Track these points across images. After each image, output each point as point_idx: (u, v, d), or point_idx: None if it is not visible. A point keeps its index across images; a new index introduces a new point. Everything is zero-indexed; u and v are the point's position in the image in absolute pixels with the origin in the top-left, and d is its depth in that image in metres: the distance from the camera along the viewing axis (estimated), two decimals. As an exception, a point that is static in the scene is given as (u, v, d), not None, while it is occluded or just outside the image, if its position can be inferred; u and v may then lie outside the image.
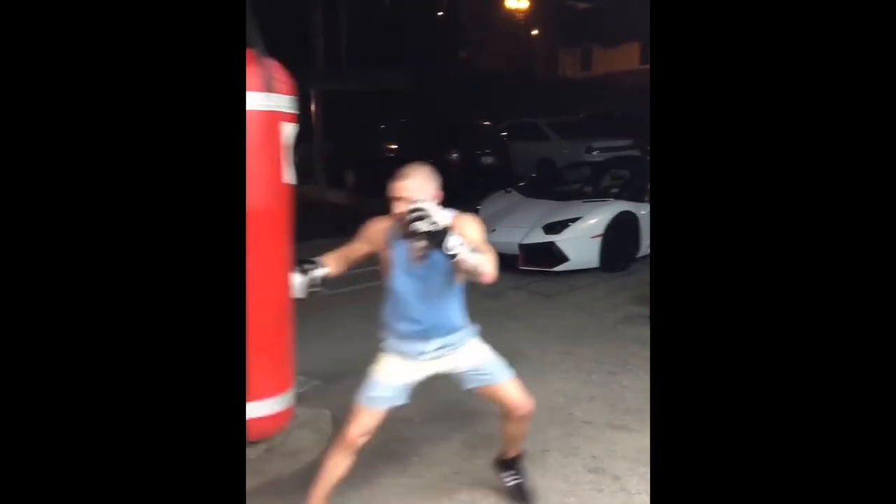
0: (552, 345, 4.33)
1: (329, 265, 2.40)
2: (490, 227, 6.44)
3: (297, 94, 2.26)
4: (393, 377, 2.31)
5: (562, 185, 7.33)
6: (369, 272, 5.93)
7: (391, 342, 2.33)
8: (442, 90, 14.45)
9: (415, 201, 1.96)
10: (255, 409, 2.10)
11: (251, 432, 2.17)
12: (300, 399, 3.60)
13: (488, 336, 2.42)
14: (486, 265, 1.98)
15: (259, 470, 2.89)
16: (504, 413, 2.37)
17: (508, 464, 2.57)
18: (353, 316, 4.97)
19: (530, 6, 18.64)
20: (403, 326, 2.26)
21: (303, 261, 2.42)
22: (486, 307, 4.83)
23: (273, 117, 2.36)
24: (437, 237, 1.91)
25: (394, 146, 11.43)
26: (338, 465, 2.33)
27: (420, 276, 2.17)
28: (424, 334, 2.24)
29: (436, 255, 2.03)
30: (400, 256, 2.19)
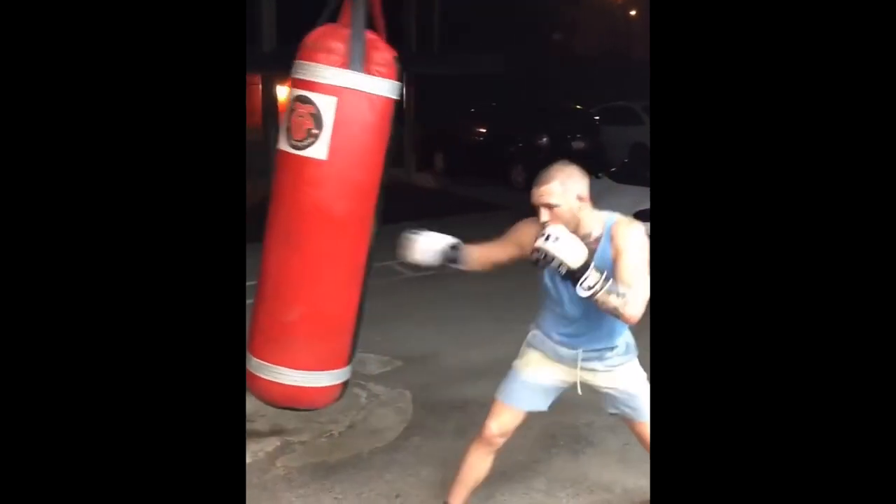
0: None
1: (471, 253, 2.11)
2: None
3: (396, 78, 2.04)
4: (536, 377, 2.11)
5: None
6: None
7: (539, 339, 2.13)
8: (534, 73, 14.23)
9: (545, 234, 1.75)
10: (302, 379, 2.15)
11: (298, 399, 2.21)
12: (382, 379, 3.68)
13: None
14: (628, 308, 1.73)
15: (341, 445, 2.97)
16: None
17: None
18: (434, 299, 5.01)
19: (628, -15, 17.99)
20: (554, 326, 2.07)
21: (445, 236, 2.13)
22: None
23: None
24: (568, 276, 1.73)
25: (483, 129, 11.39)
26: (477, 465, 2.18)
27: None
28: (575, 338, 2.03)
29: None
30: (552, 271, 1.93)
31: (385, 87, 1.98)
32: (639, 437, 2.13)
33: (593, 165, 8.07)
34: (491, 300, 5.00)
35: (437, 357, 4.01)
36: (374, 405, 3.37)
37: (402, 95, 2.07)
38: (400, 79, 2.02)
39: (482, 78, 12.45)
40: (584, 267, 1.72)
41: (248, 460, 2.83)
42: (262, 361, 2.10)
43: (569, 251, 1.73)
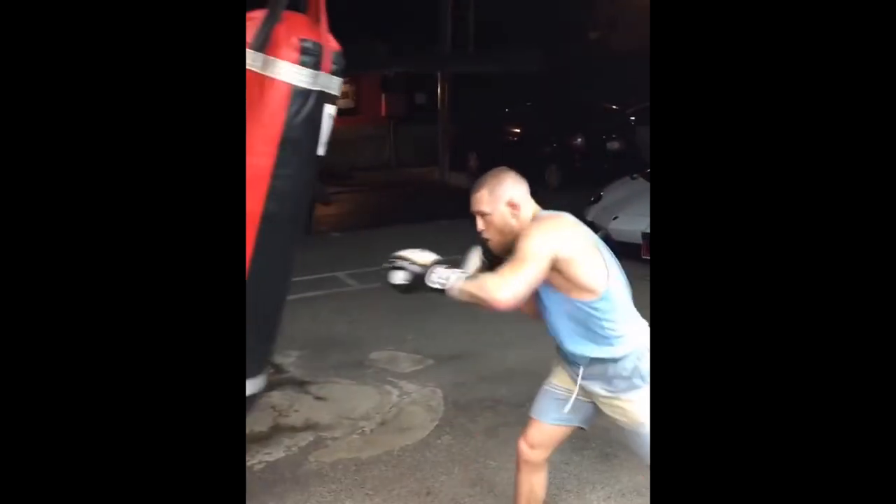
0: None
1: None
2: (613, 214, 6.24)
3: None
4: (560, 389, 2.00)
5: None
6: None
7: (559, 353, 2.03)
8: (570, 72, 14.11)
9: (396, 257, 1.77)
10: None
11: None
12: (414, 377, 3.70)
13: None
14: (484, 291, 1.65)
15: (372, 442, 3.00)
16: None
17: None
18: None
19: (668, -17, 17.64)
20: (556, 340, 1.97)
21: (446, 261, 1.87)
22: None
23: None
24: (417, 280, 1.73)
25: (517, 130, 11.34)
26: (528, 484, 2.08)
27: (552, 299, 1.87)
28: (569, 353, 1.92)
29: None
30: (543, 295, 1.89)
31: (278, 70, 1.79)
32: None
33: (628, 166, 8.02)
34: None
35: (470, 356, 4.02)
36: (406, 403, 3.39)
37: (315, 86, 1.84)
38: (324, 67, 1.84)
39: (517, 77, 12.40)
40: (433, 265, 1.74)
41: (281, 454, 2.88)
42: None
43: (414, 254, 1.75)
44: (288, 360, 3.85)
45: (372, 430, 3.11)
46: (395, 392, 3.51)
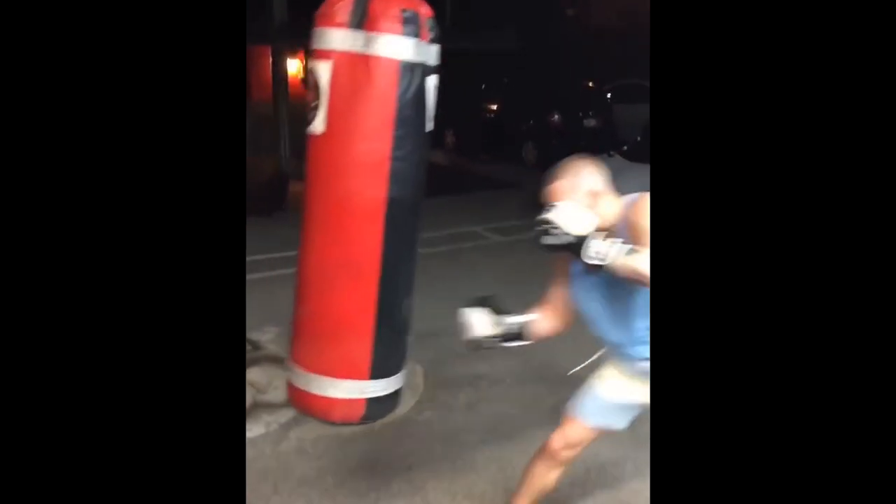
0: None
1: (535, 327, 1.95)
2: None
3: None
4: (610, 392, 1.95)
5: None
6: (469, 233, 5.94)
7: (608, 353, 1.97)
8: (547, 49, 14.05)
9: (544, 213, 1.63)
10: (312, 384, 1.86)
11: (309, 405, 1.90)
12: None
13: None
14: (645, 269, 1.54)
15: (353, 418, 3.01)
16: None
17: None
18: (448, 276, 5.01)
19: (645, -40, 17.57)
20: (605, 340, 1.92)
21: (490, 301, 1.91)
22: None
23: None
24: (572, 248, 1.60)
25: (494, 107, 11.30)
26: (543, 477, 2.06)
27: (597, 289, 1.81)
28: (623, 353, 1.87)
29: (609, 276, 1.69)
30: (575, 270, 1.85)
31: (384, 46, 1.68)
32: None
33: (605, 144, 8.05)
34: (508, 277, 5.00)
35: (448, 333, 3.99)
36: (386, 379, 3.40)
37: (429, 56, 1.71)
38: (422, 36, 1.72)
39: (494, 54, 12.32)
40: (588, 235, 1.61)
41: (261, 431, 2.87)
42: (292, 362, 1.93)
43: (572, 220, 1.61)
44: (266, 336, 3.82)
45: (352, 407, 3.11)
46: (375, 369, 3.51)
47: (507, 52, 11.87)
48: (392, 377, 1.81)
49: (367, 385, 1.80)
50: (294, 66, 13.90)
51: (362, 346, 1.78)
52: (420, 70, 1.73)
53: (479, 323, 1.90)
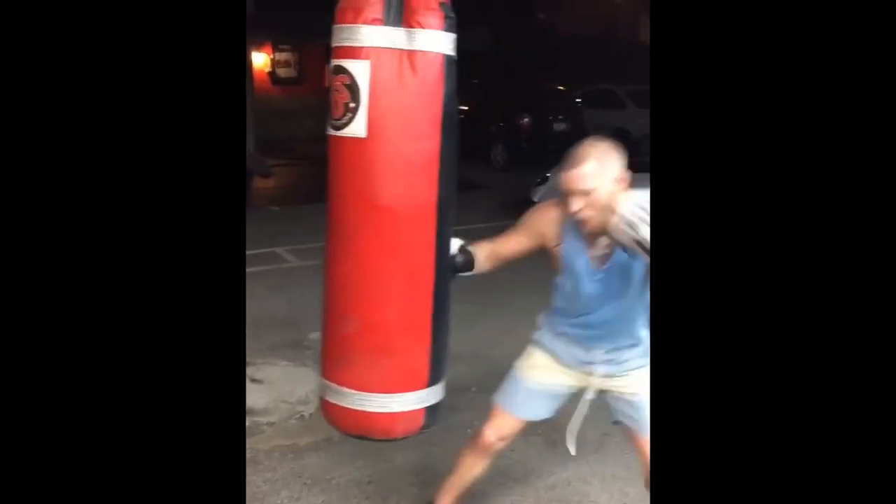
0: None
1: (478, 254, 1.85)
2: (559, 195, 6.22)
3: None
4: (541, 382, 1.94)
5: (636, 157, 7.03)
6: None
7: (548, 339, 1.93)
8: (518, 52, 14.06)
9: (641, 206, 1.50)
10: (368, 403, 1.77)
11: (366, 426, 1.84)
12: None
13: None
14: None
15: (311, 427, 2.88)
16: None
17: None
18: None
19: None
20: (569, 327, 1.87)
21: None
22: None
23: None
24: (641, 247, 1.52)
25: (464, 107, 11.24)
26: (472, 467, 2.05)
27: (601, 278, 1.76)
28: (592, 341, 1.85)
29: (619, 254, 1.67)
30: (576, 256, 1.76)
31: (428, 41, 1.61)
32: (640, 453, 1.93)
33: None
34: (467, 280, 4.91)
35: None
36: (347, 386, 3.28)
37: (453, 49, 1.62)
38: (451, 28, 1.64)
39: (465, 54, 12.27)
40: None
41: (213, 441, 2.73)
42: (328, 382, 1.83)
43: (644, 220, 1.49)
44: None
45: (311, 415, 2.98)
46: (336, 375, 3.38)
47: (480, 52, 11.83)
48: (442, 382, 1.79)
49: (425, 394, 1.75)
50: (260, 60, 13.63)
51: (422, 356, 1.72)
52: (455, 63, 1.66)
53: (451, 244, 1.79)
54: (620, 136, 10.78)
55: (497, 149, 10.17)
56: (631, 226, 1.51)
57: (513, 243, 1.87)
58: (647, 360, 1.81)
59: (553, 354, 1.92)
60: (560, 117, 10.27)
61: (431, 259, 1.70)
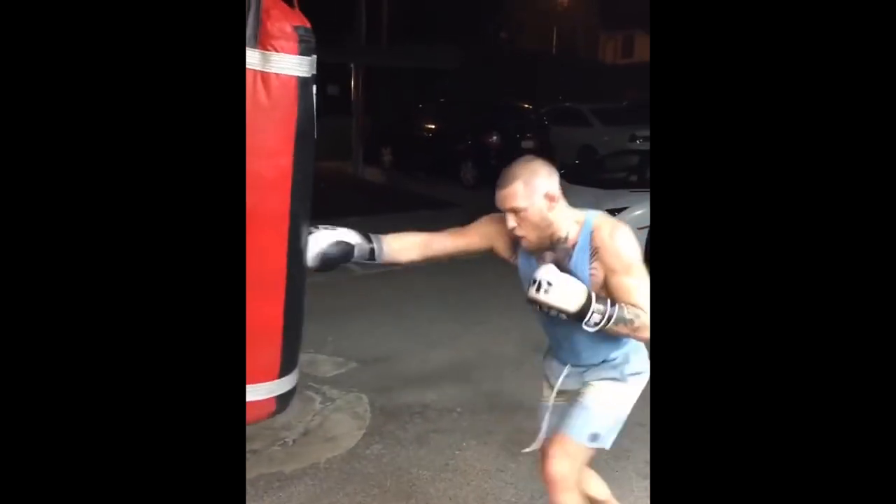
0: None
1: (390, 244, 1.83)
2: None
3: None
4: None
5: (605, 174, 7.14)
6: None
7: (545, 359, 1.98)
8: (483, 70, 14.21)
9: (536, 282, 1.59)
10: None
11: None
12: (337, 382, 3.53)
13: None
14: (640, 332, 1.60)
15: (296, 454, 2.81)
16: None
17: None
18: (388, 297, 4.87)
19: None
20: (550, 341, 1.91)
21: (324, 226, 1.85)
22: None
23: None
24: (572, 319, 1.60)
25: (432, 126, 11.27)
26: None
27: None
28: (561, 355, 1.88)
29: (572, 269, 1.67)
30: (529, 271, 1.73)
31: (282, 64, 1.69)
32: (543, 457, 1.84)
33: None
34: (446, 298, 4.92)
35: (394, 358, 3.88)
36: (330, 410, 3.22)
37: (312, 74, 1.78)
38: (307, 52, 1.73)
39: (431, 72, 12.33)
40: (586, 307, 1.57)
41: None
42: None
43: (564, 297, 1.57)
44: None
45: (295, 441, 2.91)
46: (318, 398, 3.32)
47: (444, 69, 11.91)
48: (294, 372, 1.92)
49: (276, 384, 1.89)
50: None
51: (273, 351, 1.86)
52: (311, 83, 1.76)
53: (325, 237, 1.78)
54: (587, 153, 10.89)
55: (466, 166, 10.22)
56: (537, 286, 1.59)
57: (457, 240, 1.88)
58: (612, 372, 1.80)
59: (545, 377, 1.96)
60: (528, 135, 10.37)
61: (283, 264, 1.81)
